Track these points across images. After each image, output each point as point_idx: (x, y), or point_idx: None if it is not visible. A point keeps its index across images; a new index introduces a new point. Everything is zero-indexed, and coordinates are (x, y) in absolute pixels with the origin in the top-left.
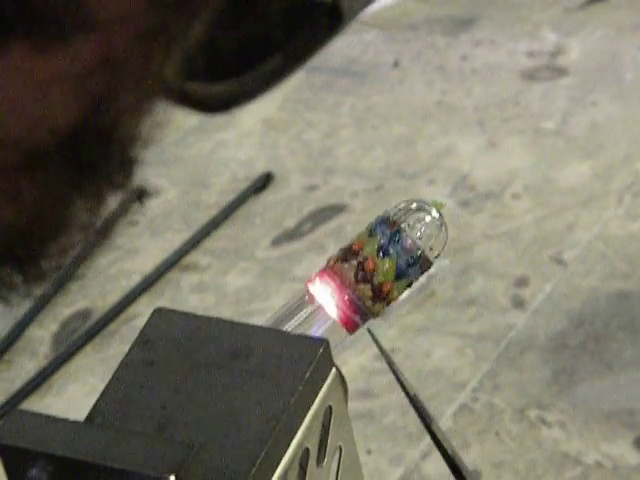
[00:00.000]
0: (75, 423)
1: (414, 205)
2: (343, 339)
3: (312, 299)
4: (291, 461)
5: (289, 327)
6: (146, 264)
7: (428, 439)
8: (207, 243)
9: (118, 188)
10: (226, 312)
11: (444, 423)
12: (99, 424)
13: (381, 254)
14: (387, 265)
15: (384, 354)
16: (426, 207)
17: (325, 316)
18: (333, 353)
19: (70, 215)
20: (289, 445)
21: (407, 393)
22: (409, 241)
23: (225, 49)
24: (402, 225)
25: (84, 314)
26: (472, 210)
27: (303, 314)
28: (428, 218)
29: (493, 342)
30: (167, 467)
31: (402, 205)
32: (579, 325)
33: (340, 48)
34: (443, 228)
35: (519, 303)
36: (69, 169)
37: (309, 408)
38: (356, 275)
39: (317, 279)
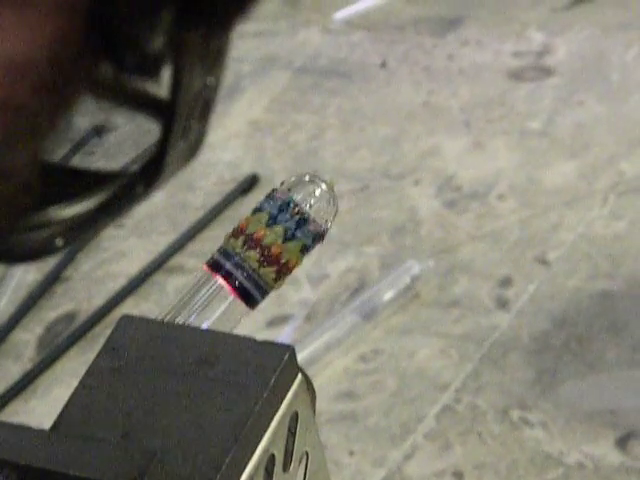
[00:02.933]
0: (39, 431)
1: (306, 178)
2: (244, 313)
3: (209, 276)
4: (256, 467)
5: (193, 310)
6: (132, 266)
7: (411, 441)
8: (193, 245)
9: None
10: None
11: (427, 424)
12: (63, 432)
13: (256, 212)
14: (258, 217)
15: None
16: (316, 180)
17: (221, 290)
18: (233, 329)
19: None
20: (254, 451)
21: None
22: (279, 193)
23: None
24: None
25: (69, 317)
26: (457, 211)
27: (204, 293)
28: (317, 190)
29: (477, 343)
30: (129, 474)
31: (293, 178)
32: (562, 325)
33: (327, 49)
34: (332, 201)
35: (503, 304)
36: None
37: (275, 414)
38: (231, 234)
39: (212, 257)
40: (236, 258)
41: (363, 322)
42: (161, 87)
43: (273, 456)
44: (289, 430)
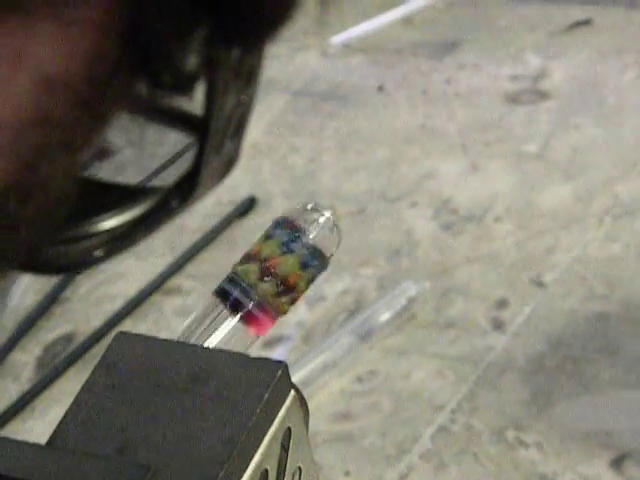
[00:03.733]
0: (35, 446)
1: (309, 206)
2: (253, 341)
3: (219, 303)
4: None
5: (201, 334)
6: (130, 288)
7: (406, 461)
8: (190, 267)
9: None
10: None
11: (422, 444)
12: (59, 447)
13: (267, 239)
14: (270, 245)
15: None
16: (319, 209)
17: (231, 318)
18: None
19: None
20: (247, 467)
21: None
22: (287, 222)
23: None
24: (286, 214)
25: (67, 338)
26: (454, 233)
27: (214, 320)
28: (321, 219)
29: (472, 364)
30: None
31: (299, 206)
32: (557, 347)
33: (325, 72)
34: (335, 230)
35: (499, 325)
36: None
37: (268, 430)
38: (242, 261)
39: (223, 284)
40: (245, 286)
41: (359, 343)
42: (195, 104)
43: (266, 471)
44: (282, 446)
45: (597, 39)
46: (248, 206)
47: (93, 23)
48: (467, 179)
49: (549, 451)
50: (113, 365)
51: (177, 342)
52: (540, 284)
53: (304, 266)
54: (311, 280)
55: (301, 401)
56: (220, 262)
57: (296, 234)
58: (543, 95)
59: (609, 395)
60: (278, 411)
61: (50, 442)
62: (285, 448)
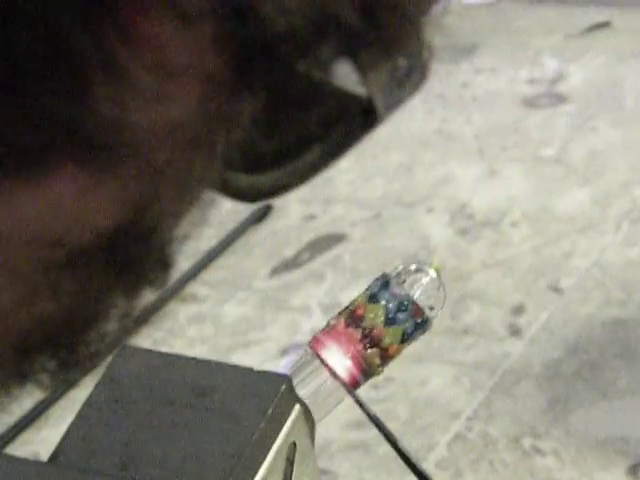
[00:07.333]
0: (38, 463)
1: (413, 267)
2: (342, 398)
3: (316, 359)
4: None
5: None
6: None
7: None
8: (206, 274)
9: (154, 284)
10: (224, 342)
11: (438, 452)
12: (62, 463)
13: (372, 301)
14: (376, 310)
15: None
16: (424, 268)
17: (326, 375)
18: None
19: (108, 306)
20: None
21: (368, 414)
22: (398, 288)
23: (263, 145)
24: (391, 274)
25: None
26: (470, 238)
27: (306, 373)
28: (426, 279)
29: (489, 371)
30: None
31: (401, 267)
32: (574, 353)
33: None
34: (441, 288)
35: (515, 331)
36: (109, 267)
37: (272, 444)
38: (346, 321)
39: (323, 340)
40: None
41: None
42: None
43: None
44: (287, 460)
45: (615, 42)
46: (263, 212)
47: (197, 73)
48: (484, 184)
49: (566, 458)
50: (116, 380)
51: (180, 356)
52: (557, 290)
53: (406, 338)
54: (404, 339)
55: (306, 415)
56: (235, 268)
57: (403, 304)
58: (561, 98)
59: (626, 402)
60: (283, 425)
61: (52, 458)
62: (290, 462)
